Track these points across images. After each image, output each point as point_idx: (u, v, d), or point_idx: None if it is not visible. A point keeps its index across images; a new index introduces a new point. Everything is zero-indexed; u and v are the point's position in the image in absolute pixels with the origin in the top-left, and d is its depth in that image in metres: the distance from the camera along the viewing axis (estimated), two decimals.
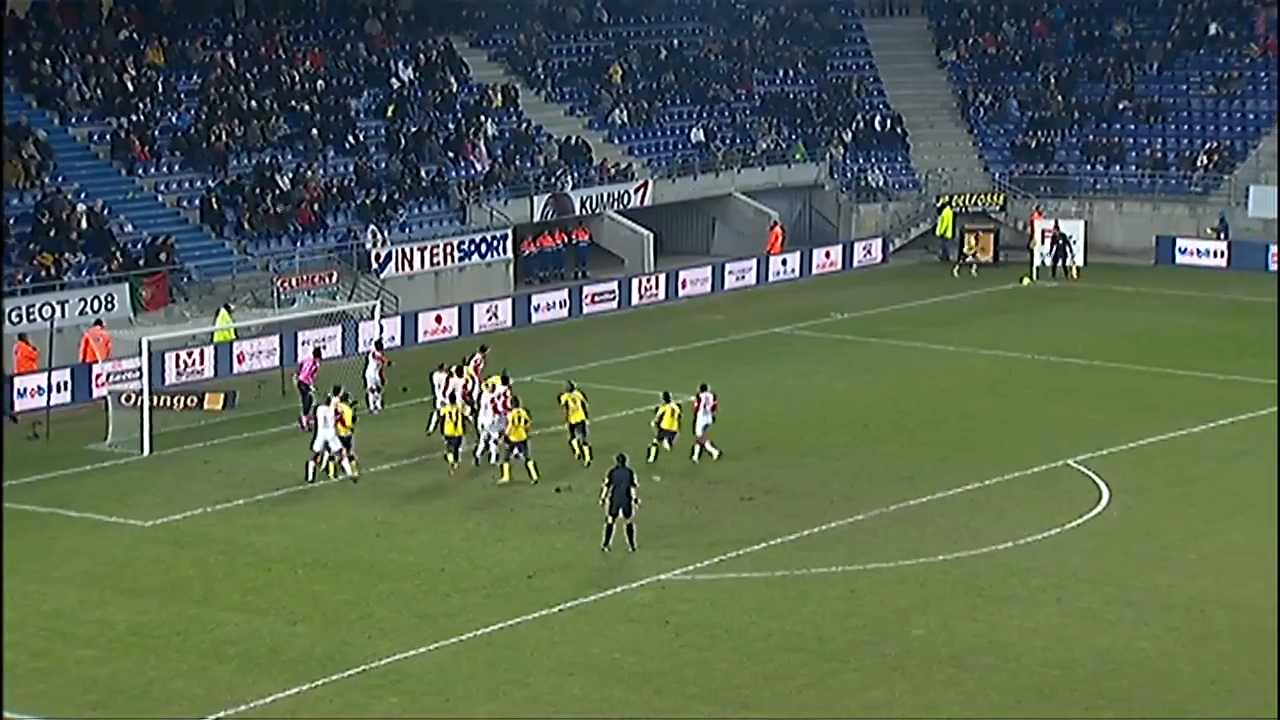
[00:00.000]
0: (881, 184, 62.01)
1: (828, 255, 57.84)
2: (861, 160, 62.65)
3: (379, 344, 39.40)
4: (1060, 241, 55.56)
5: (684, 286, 53.68)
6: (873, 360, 44.62)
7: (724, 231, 60.23)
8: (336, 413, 33.12)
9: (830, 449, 36.04)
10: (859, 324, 49.03)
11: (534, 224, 55.20)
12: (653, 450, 34.61)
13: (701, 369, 40.10)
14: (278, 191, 50.28)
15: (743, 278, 55.09)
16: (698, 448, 34.89)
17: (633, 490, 29.16)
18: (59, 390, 39.31)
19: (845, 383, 42.16)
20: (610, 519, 29.26)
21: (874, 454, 35.63)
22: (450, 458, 33.90)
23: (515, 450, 33.25)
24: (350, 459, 33.28)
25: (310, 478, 33.30)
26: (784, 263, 56.43)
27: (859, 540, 30.18)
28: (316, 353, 38.57)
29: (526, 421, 33.29)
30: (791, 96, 64.89)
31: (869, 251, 58.86)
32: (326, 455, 33.27)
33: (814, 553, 29.47)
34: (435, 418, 36.00)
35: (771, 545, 29.85)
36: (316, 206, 50.54)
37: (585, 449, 34.24)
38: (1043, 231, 56.11)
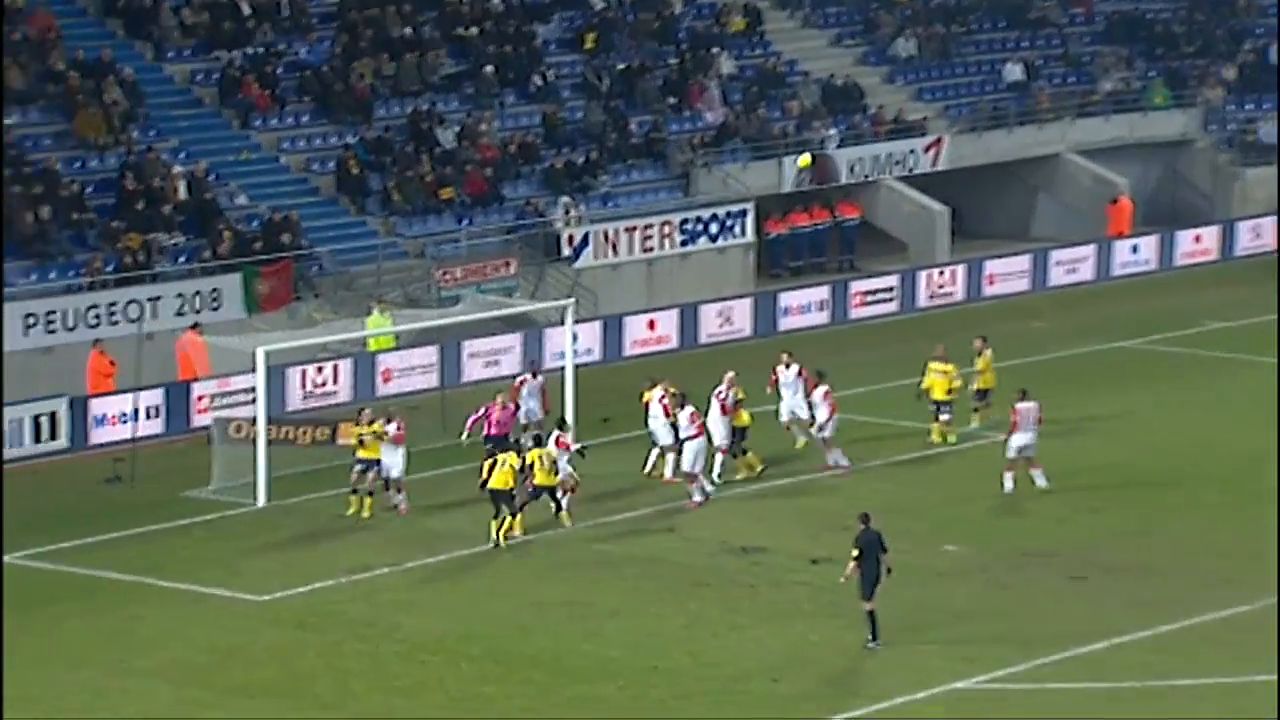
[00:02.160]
0: (1278, 140, 60.77)
1: (1198, 240, 57.12)
2: (1250, 107, 61.48)
3: (535, 370, 39.62)
4: None
5: (991, 282, 53.43)
6: (1265, 388, 43.70)
7: (1049, 206, 59.79)
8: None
9: (1201, 511, 35.63)
10: (1244, 336, 48.29)
11: (784, 196, 55.28)
12: (939, 437, 38.82)
13: (1014, 395, 39.83)
14: (438, 151, 51.21)
15: (1075, 270, 54.75)
16: (1009, 475, 35.86)
17: (883, 559, 29.10)
18: (148, 417, 40.51)
19: (1223, 418, 41.63)
20: (866, 602, 29.24)
21: (1265, 521, 34.91)
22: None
23: (540, 494, 34.42)
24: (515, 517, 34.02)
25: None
26: (1134, 250, 55.91)
27: (1242, 641, 29.65)
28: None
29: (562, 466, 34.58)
30: (1149, 17, 63.96)
31: (1258, 234, 57.95)
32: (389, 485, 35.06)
33: (1176, 657, 29.10)
34: (656, 453, 37.13)
35: (1114, 645, 29.54)
36: (490, 171, 51.35)
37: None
38: None
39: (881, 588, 29.22)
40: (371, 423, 35.73)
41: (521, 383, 38.98)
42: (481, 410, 37.44)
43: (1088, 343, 47.92)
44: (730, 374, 37.69)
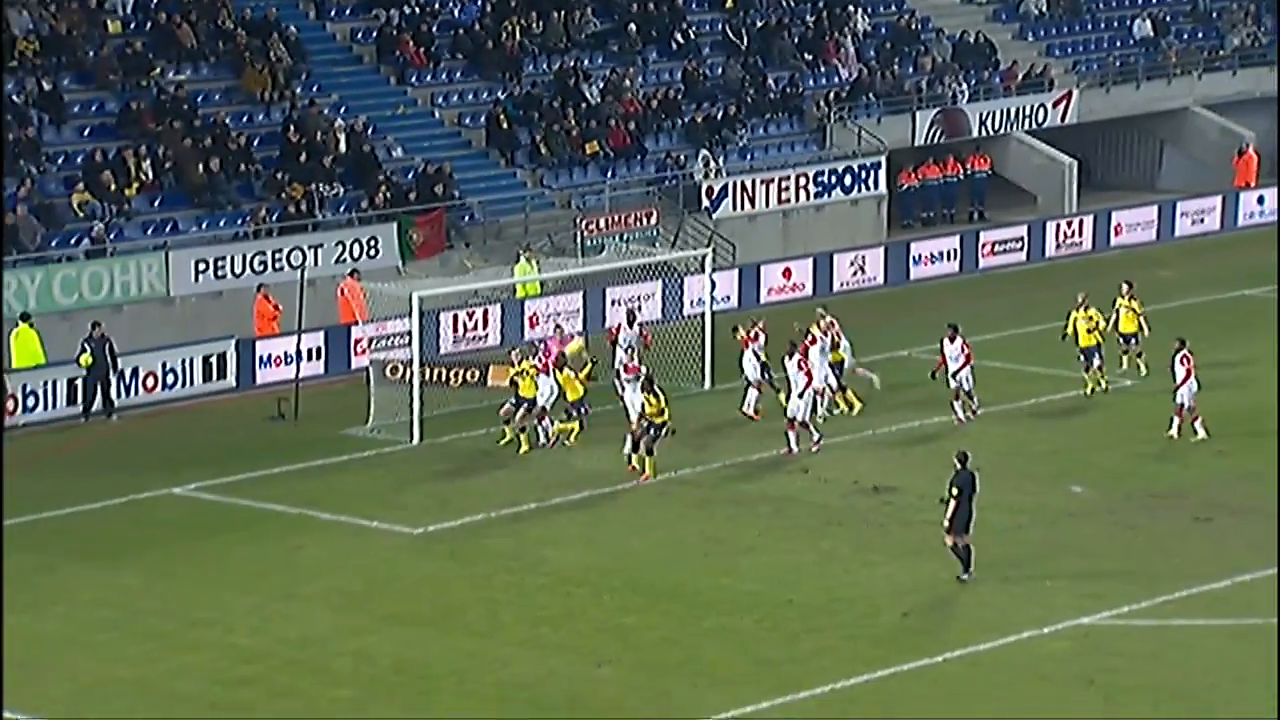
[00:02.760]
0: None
1: None
2: None
3: (631, 318, 39.36)
4: None
5: (1118, 232, 53.22)
6: None
7: (1176, 158, 59.41)
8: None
9: None
10: None
11: (915, 149, 55.20)
12: (1090, 388, 38.56)
13: (1171, 344, 39.67)
14: (584, 106, 51.52)
15: (1201, 221, 54.43)
16: (1177, 421, 36.03)
17: (974, 498, 29.19)
18: (310, 359, 41.21)
19: None
20: (955, 539, 29.27)
21: None
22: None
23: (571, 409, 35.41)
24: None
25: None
26: (1260, 201, 55.42)
27: None
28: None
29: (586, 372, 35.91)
30: None
31: None
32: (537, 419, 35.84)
33: None
34: (753, 394, 37.44)
35: (1238, 583, 29.42)
36: (633, 125, 51.61)
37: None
38: None
39: (970, 523, 29.29)
40: (523, 360, 36.16)
41: (617, 329, 38.96)
42: (543, 343, 37.88)
43: (1213, 291, 47.63)
44: (826, 316, 37.75)
